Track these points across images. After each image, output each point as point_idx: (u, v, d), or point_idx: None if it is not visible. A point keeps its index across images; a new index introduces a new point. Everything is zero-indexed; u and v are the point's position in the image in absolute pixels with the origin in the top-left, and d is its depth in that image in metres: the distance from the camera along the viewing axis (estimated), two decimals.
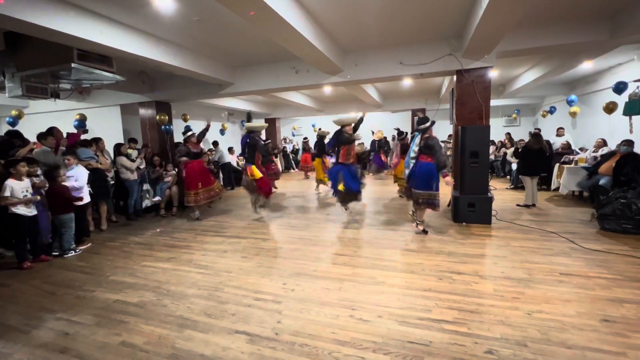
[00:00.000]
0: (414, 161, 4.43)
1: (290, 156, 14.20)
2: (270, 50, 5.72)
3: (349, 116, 5.32)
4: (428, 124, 4.37)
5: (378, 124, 14.51)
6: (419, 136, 4.43)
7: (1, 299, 3.08)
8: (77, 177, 4.48)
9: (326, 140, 9.01)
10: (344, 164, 5.10)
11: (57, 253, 4.17)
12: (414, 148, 4.44)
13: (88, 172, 4.77)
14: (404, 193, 5.20)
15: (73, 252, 4.20)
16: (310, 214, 6.02)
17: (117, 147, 6.01)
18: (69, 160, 4.50)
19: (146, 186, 6.26)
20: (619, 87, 6.14)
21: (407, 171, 4.51)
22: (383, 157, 10.02)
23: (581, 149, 7.72)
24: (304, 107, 11.71)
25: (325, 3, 3.99)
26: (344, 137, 5.06)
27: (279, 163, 12.72)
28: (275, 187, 8.53)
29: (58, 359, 2.16)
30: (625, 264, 3.29)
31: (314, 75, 6.26)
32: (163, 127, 7.56)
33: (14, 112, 7.44)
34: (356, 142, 5.46)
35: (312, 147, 9.84)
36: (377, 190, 8.40)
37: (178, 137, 8.86)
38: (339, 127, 5.21)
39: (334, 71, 5.99)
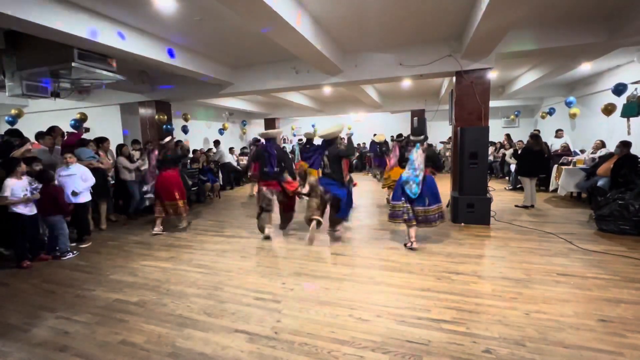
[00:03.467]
0: (419, 176, 3.87)
1: (290, 156, 14.21)
2: (270, 50, 5.73)
3: (333, 129, 4.49)
4: (423, 137, 4.15)
5: (379, 126, 14.58)
6: (420, 148, 3.99)
7: (1, 297, 3.08)
8: (83, 176, 4.46)
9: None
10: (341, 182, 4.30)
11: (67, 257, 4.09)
12: (415, 160, 3.93)
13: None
14: (401, 218, 3.98)
15: (71, 254, 4.14)
16: None
17: (119, 148, 6.03)
18: (69, 158, 4.43)
19: (146, 187, 6.25)
20: (618, 89, 6.16)
21: (414, 188, 3.86)
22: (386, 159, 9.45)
23: (582, 151, 7.74)
24: (304, 108, 11.72)
25: (325, 4, 4.01)
26: (341, 150, 4.32)
27: None
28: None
29: (58, 357, 2.17)
30: (623, 265, 3.31)
31: (314, 75, 6.28)
32: (165, 126, 7.58)
33: (13, 111, 7.44)
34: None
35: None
36: (376, 189, 8.42)
37: (180, 136, 8.90)
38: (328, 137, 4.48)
39: (334, 72, 6.01)
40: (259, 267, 3.57)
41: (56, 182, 4.24)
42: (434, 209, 3.91)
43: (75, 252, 4.21)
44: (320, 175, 4.57)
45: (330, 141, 4.45)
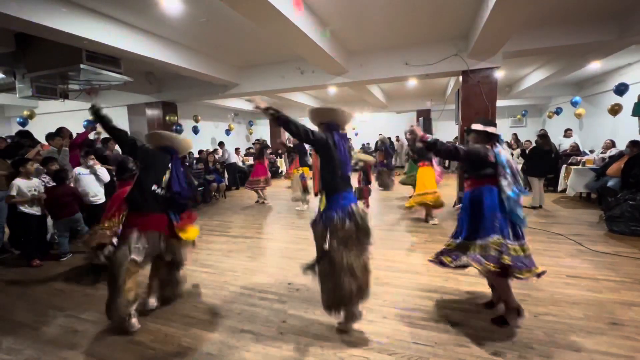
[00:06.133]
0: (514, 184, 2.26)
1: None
2: (275, 51, 5.75)
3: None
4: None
5: (384, 126, 14.53)
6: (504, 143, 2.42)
7: (11, 296, 3.13)
8: (101, 175, 4.50)
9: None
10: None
11: (65, 257, 4.07)
12: (509, 163, 2.29)
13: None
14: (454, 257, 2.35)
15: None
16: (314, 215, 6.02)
17: None
18: (93, 160, 4.43)
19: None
20: (620, 89, 6.08)
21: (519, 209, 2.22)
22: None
23: (591, 151, 7.61)
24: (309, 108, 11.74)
25: (331, 4, 4.00)
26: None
27: (284, 164, 12.78)
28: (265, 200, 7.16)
29: (67, 355, 2.20)
30: (634, 267, 3.24)
31: (319, 76, 6.28)
32: (174, 126, 7.67)
33: (25, 113, 7.57)
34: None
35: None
36: (378, 190, 8.38)
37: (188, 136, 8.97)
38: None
39: (339, 72, 6.00)
40: (265, 268, 3.58)
41: (73, 181, 4.29)
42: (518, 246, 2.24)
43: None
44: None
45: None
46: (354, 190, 2.49)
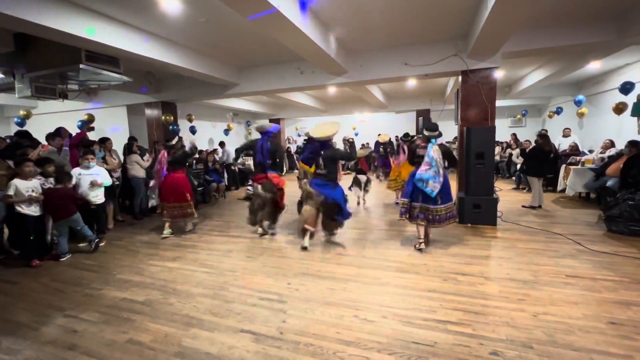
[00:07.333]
0: (435, 174, 3.68)
1: (295, 156, 14.27)
2: (275, 51, 5.75)
3: (328, 130, 4.32)
4: (438, 133, 3.95)
5: (384, 126, 14.53)
6: (435, 144, 3.81)
7: (11, 296, 3.13)
8: (102, 176, 4.58)
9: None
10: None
11: (65, 258, 4.08)
12: (436, 158, 3.69)
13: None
14: (411, 216, 3.91)
15: (95, 244, 4.29)
16: None
17: (129, 146, 6.09)
18: (91, 159, 4.53)
19: (153, 182, 6.28)
20: (625, 87, 6.08)
21: (435, 185, 3.66)
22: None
23: (590, 151, 7.62)
24: (309, 108, 11.74)
25: (330, 4, 4.00)
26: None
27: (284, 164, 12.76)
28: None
29: (66, 355, 2.20)
30: (633, 267, 3.25)
31: (319, 76, 6.28)
32: (171, 127, 7.66)
33: (22, 113, 7.56)
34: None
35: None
36: (381, 190, 8.39)
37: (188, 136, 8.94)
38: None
39: (339, 72, 6.00)
40: (265, 268, 3.58)
41: (74, 181, 4.33)
42: (443, 207, 3.78)
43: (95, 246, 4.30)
44: (313, 176, 4.44)
45: (325, 142, 4.32)
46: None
